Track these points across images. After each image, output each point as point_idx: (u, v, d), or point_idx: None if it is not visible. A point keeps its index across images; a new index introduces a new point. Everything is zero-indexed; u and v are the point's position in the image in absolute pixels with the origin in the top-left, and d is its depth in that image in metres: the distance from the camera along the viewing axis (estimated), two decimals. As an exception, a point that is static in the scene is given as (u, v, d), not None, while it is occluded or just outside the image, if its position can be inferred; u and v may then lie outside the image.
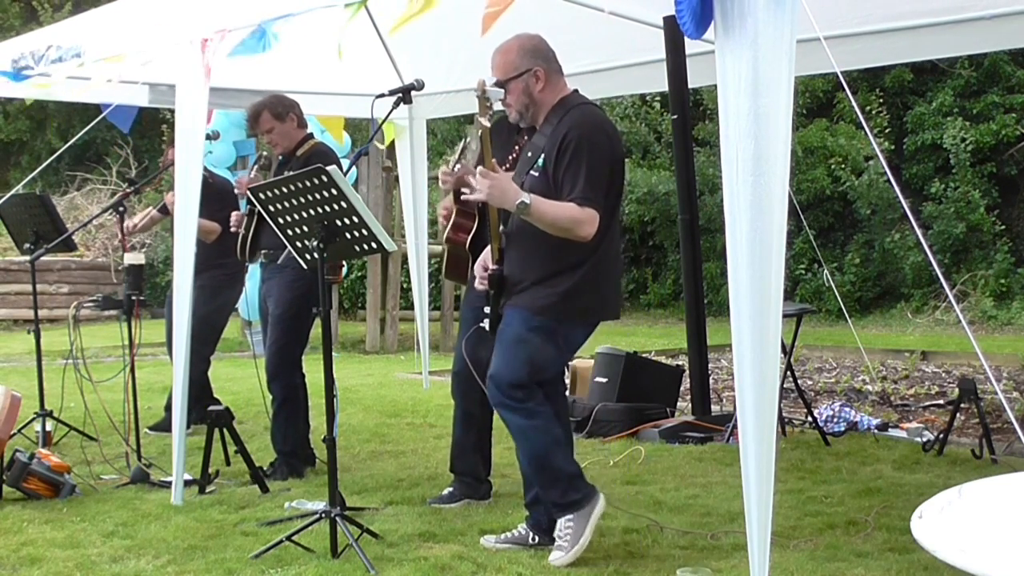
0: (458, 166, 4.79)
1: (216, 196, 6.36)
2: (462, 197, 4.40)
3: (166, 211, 6.82)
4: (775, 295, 3.20)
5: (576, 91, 4.25)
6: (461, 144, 5.09)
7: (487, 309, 4.24)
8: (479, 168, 4.04)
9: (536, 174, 4.04)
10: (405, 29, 7.23)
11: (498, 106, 4.13)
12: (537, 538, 4.23)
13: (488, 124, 4.04)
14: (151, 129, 18.73)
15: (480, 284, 4.29)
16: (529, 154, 4.19)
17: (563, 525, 4.05)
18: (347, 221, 4.23)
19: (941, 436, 5.95)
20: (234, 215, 5.79)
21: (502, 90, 4.08)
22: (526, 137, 4.82)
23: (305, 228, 4.34)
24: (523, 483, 4.36)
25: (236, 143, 11.79)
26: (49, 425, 6.15)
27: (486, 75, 4.97)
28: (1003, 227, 14.35)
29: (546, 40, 4.22)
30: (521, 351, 4.04)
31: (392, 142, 8.32)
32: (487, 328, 4.24)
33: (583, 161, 3.95)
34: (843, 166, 14.92)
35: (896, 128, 15.07)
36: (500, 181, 3.95)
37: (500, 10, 3.67)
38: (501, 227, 4.19)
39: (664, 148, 16.53)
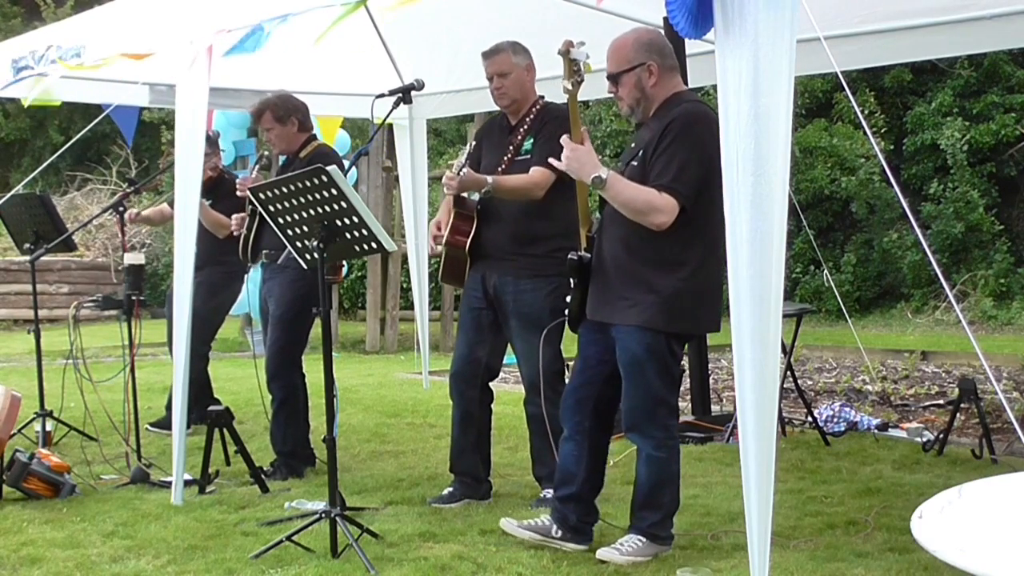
0: (464, 169, 4.77)
1: (233, 192, 6.32)
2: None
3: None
4: (775, 295, 3.20)
5: (689, 90, 4.22)
6: (467, 147, 5.07)
7: (568, 298, 4.21)
8: (564, 137, 4.03)
9: (636, 163, 4.03)
10: (405, 29, 7.21)
11: (593, 73, 4.05)
12: (560, 532, 4.19)
13: (571, 88, 3.99)
14: (151, 129, 18.72)
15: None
16: (632, 145, 4.20)
17: (634, 538, 4.08)
18: (347, 221, 4.23)
19: (941, 436, 5.95)
20: (235, 217, 5.77)
21: (584, 49, 3.98)
22: (519, 138, 4.82)
23: (305, 228, 4.34)
24: (558, 478, 4.28)
25: (236, 143, 11.79)
26: (49, 425, 6.15)
27: (485, 75, 4.98)
28: (1002, 227, 14.34)
29: (663, 36, 4.19)
30: (642, 376, 4.03)
31: (389, 124, 8.26)
32: (568, 319, 4.24)
33: (677, 151, 3.92)
34: (834, 167, 14.88)
35: (896, 128, 15.05)
36: (579, 152, 3.97)
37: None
38: (596, 214, 4.16)
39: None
